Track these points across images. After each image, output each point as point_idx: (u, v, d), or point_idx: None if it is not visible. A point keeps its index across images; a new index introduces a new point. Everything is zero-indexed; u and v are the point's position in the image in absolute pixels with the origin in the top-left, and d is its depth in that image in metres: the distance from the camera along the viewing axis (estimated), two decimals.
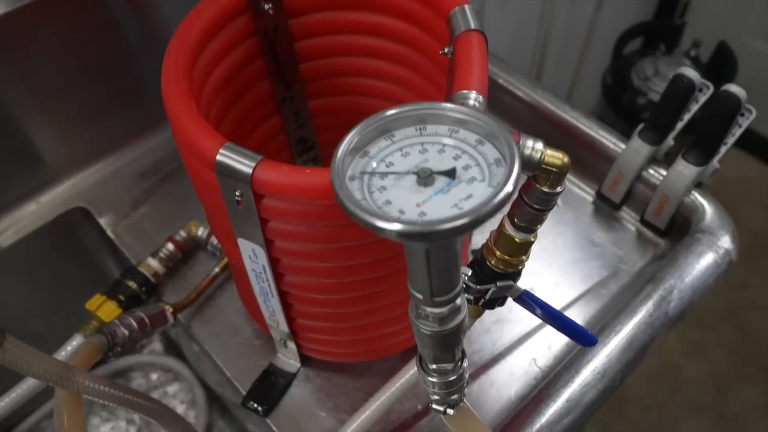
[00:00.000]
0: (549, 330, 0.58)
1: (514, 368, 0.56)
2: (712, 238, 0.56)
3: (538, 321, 0.58)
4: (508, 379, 0.55)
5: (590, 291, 0.60)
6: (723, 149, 0.61)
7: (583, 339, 0.38)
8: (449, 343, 0.35)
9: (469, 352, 0.57)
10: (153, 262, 0.61)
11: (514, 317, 0.59)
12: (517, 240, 0.39)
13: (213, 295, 0.62)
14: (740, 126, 0.62)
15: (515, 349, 0.57)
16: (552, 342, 0.57)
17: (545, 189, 0.36)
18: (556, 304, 0.59)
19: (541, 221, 0.38)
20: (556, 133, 0.67)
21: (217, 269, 0.61)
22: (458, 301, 0.33)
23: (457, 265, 0.31)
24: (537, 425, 0.48)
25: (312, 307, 0.49)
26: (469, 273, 0.38)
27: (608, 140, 0.64)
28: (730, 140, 0.62)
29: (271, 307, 0.49)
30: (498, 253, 0.40)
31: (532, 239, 0.40)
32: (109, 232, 0.66)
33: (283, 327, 0.51)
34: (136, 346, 0.54)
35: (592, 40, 1.26)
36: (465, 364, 0.38)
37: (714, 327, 1.45)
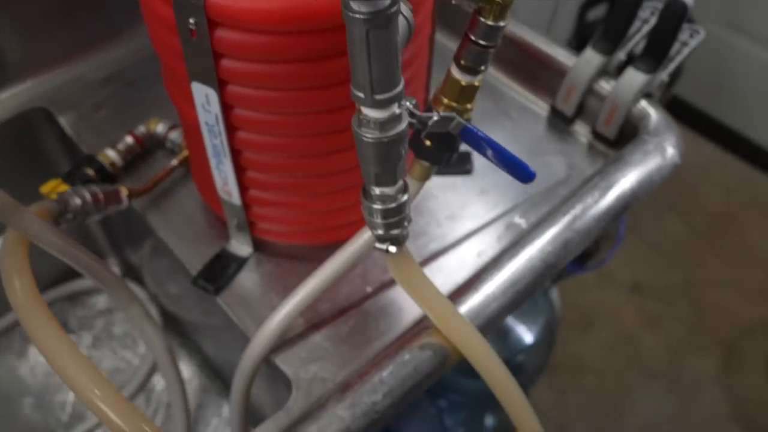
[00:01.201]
0: (498, 226, 0.59)
1: (464, 258, 0.57)
2: (658, 139, 0.59)
3: (488, 218, 0.60)
4: (458, 266, 0.56)
5: (540, 194, 0.62)
6: (671, 65, 0.64)
7: (522, 174, 0.39)
8: (390, 156, 0.36)
9: (420, 243, 0.58)
10: (111, 153, 0.61)
11: (466, 213, 0.60)
12: (462, 83, 0.41)
13: (170, 189, 0.62)
14: (687, 45, 0.65)
15: (465, 242, 0.58)
16: (501, 235, 0.58)
17: (489, 23, 0.38)
18: (505, 206, 0.61)
19: (485, 61, 0.40)
20: (510, 49, 0.69)
21: (175, 162, 0.62)
22: (398, 109, 0.35)
23: (397, 61, 0.32)
24: (483, 295, 0.49)
25: (265, 173, 0.49)
26: (414, 101, 0.40)
27: (561, 55, 0.66)
28: (678, 57, 0.64)
29: (224, 173, 0.50)
30: (445, 100, 0.42)
31: (477, 83, 0.41)
32: (68, 131, 0.66)
33: (236, 199, 0.52)
34: (88, 219, 0.54)
35: (560, 5, 1.30)
36: (406, 198, 0.39)
37: (671, 301, 1.48)
